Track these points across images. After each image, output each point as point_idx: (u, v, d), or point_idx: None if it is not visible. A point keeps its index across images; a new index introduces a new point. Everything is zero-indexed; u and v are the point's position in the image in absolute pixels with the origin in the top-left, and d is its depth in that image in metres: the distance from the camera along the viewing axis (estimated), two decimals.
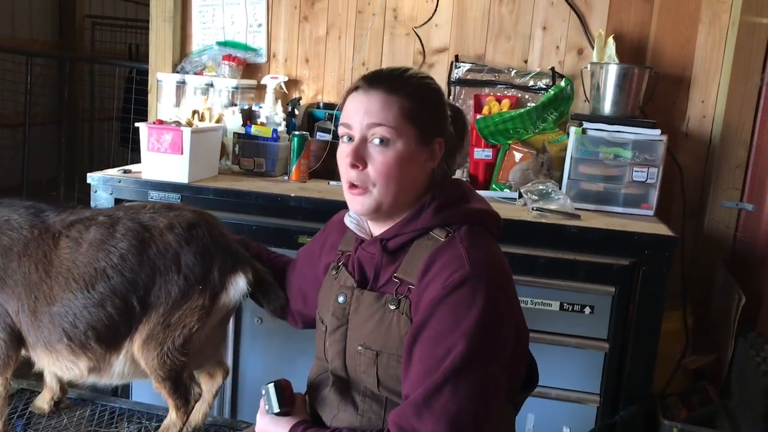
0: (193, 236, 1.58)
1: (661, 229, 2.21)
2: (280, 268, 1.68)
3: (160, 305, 1.55)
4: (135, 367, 1.61)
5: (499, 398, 1.21)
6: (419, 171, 1.28)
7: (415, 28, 2.82)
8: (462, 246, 1.22)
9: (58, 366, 1.61)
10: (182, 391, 1.62)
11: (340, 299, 1.34)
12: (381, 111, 1.24)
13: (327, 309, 1.38)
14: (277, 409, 1.32)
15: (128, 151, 4.88)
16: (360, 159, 1.24)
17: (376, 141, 1.24)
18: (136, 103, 4.38)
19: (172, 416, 1.63)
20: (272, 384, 1.33)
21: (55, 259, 1.57)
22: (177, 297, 1.55)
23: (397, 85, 1.26)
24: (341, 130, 1.29)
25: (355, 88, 1.28)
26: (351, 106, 1.28)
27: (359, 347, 1.29)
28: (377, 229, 1.33)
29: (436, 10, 2.79)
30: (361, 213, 1.30)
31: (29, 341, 1.59)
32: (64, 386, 1.85)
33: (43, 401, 1.85)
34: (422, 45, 2.83)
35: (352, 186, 1.26)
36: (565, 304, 2.18)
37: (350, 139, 1.27)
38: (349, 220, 1.37)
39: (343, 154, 1.27)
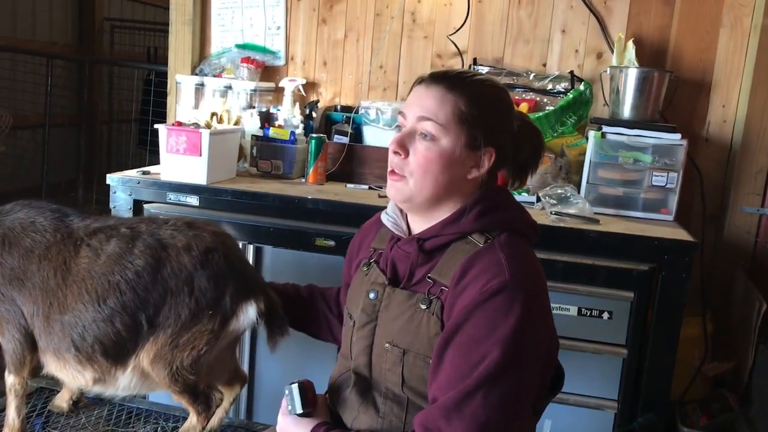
0: (208, 260, 1.57)
1: (681, 235, 2.19)
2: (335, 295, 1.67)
3: (168, 326, 1.54)
4: (142, 381, 1.62)
5: (528, 407, 1.21)
6: (461, 175, 1.27)
7: (450, 36, 2.81)
8: (502, 253, 1.21)
9: (65, 373, 1.62)
10: (202, 399, 1.62)
11: (371, 295, 1.34)
12: (434, 106, 1.25)
13: (356, 305, 1.38)
14: (300, 410, 1.31)
15: (146, 152, 4.91)
16: (403, 147, 1.27)
17: (423, 134, 1.25)
18: (155, 105, 4.42)
19: (193, 420, 1.64)
20: (296, 384, 1.33)
21: (73, 267, 1.57)
22: (186, 319, 1.54)
23: (458, 84, 1.26)
24: (398, 119, 1.32)
25: (420, 81, 1.30)
26: (411, 97, 1.30)
27: (387, 344, 1.29)
28: (417, 227, 1.33)
29: (467, 16, 2.78)
30: (394, 199, 1.32)
31: (40, 345, 1.60)
32: None
33: (62, 400, 1.87)
34: (458, 49, 2.81)
35: (392, 172, 1.29)
36: (583, 309, 2.17)
37: (403, 128, 1.29)
38: (386, 218, 1.38)
39: (392, 140, 1.29)
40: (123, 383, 1.60)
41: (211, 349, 1.57)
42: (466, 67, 2.81)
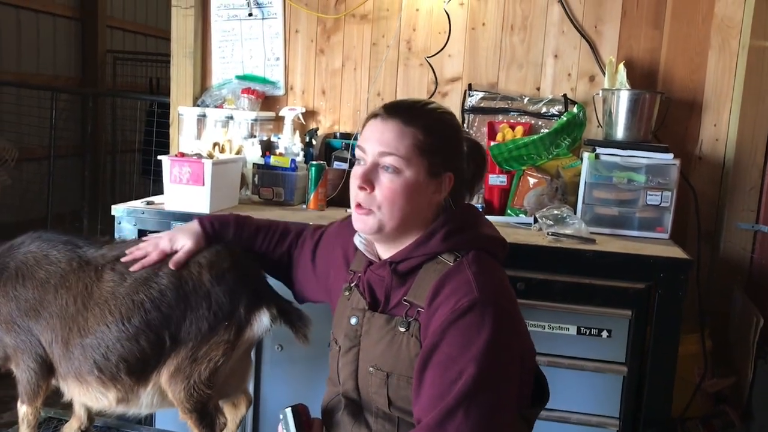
0: (226, 277, 1.64)
1: (677, 252, 2.22)
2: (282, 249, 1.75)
3: (189, 340, 1.59)
4: (162, 398, 1.65)
5: (511, 418, 1.24)
6: (425, 201, 1.32)
7: (428, 57, 2.88)
8: (470, 271, 1.26)
9: (88, 396, 1.65)
10: (208, 422, 1.65)
11: (353, 321, 1.38)
12: (394, 141, 1.29)
13: (341, 330, 1.42)
14: None
15: (149, 182, 4.97)
16: (368, 182, 1.31)
17: (386, 169, 1.29)
18: (157, 135, 4.48)
19: None
20: (290, 409, 1.36)
21: (95, 291, 1.62)
22: (206, 332, 1.60)
23: (413, 117, 1.31)
24: (357, 152, 1.35)
25: (375, 115, 1.34)
26: (368, 131, 1.34)
27: (371, 368, 1.33)
28: (385, 252, 1.37)
29: (447, 41, 2.85)
30: (363, 232, 1.36)
31: (60, 371, 1.64)
32: (92, 415, 1.89)
33: (71, 430, 1.89)
34: (435, 74, 2.89)
35: (359, 206, 1.32)
36: (582, 328, 2.19)
37: (363, 162, 1.33)
38: (358, 241, 1.42)
39: (355, 175, 1.33)
40: (145, 401, 1.64)
41: (227, 359, 1.62)
42: (461, 94, 2.87)
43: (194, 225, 1.72)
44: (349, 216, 1.57)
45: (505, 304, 1.25)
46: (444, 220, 1.33)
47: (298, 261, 1.71)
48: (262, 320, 1.64)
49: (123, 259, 1.65)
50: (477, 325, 1.19)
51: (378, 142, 1.30)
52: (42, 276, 1.64)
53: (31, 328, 1.63)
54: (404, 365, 1.28)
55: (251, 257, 1.74)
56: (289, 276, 1.74)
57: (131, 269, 1.64)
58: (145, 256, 1.65)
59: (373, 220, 1.31)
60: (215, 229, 1.72)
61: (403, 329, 1.29)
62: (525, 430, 1.35)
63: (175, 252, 1.66)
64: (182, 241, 1.68)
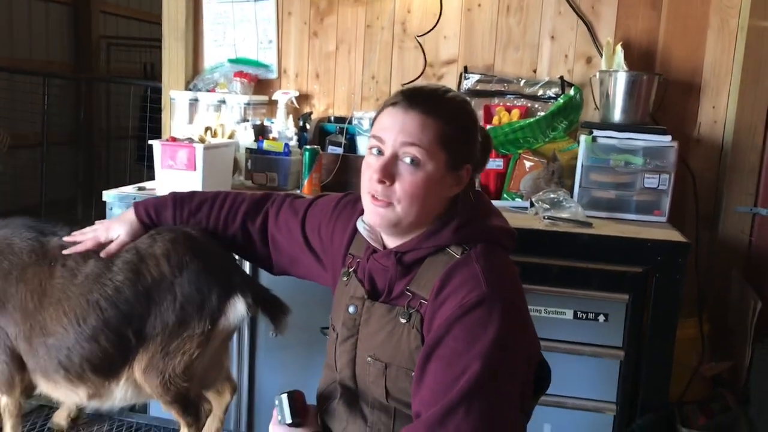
0: (188, 264, 1.56)
1: (674, 236, 2.20)
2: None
3: (156, 335, 1.54)
4: (138, 391, 1.61)
5: (513, 416, 1.21)
6: (443, 194, 1.28)
7: (419, 36, 2.84)
8: (478, 265, 1.22)
9: (58, 393, 1.62)
10: (192, 410, 1.62)
11: (351, 310, 1.35)
12: (417, 131, 1.23)
13: (338, 318, 1.39)
14: (289, 420, 1.33)
15: (144, 168, 4.93)
16: (388, 175, 1.24)
17: (407, 160, 1.23)
18: (151, 121, 4.44)
19: None
20: (285, 394, 1.34)
21: (48, 289, 1.56)
22: (174, 326, 1.54)
23: (436, 107, 1.25)
24: (372, 142, 1.28)
25: (393, 103, 1.27)
26: (387, 120, 1.27)
27: (369, 358, 1.30)
28: (391, 241, 1.32)
29: (437, 21, 2.82)
30: (378, 225, 1.29)
31: (29, 366, 1.60)
32: None
33: (61, 417, 1.88)
34: (424, 54, 2.85)
35: (375, 198, 1.26)
36: (579, 313, 2.18)
37: (379, 151, 1.26)
38: (362, 227, 1.36)
39: (371, 166, 1.26)
40: (119, 395, 1.61)
41: (203, 351, 1.57)
42: (456, 76, 2.83)
43: (130, 214, 1.66)
44: (348, 195, 1.54)
45: (515, 301, 1.21)
46: (456, 211, 1.29)
47: (272, 232, 1.62)
48: (237, 309, 1.57)
49: (66, 250, 1.61)
50: (484, 321, 1.15)
51: (400, 132, 1.23)
52: (6, 266, 1.59)
53: None
54: (404, 357, 1.26)
55: (212, 240, 1.65)
56: (253, 250, 1.65)
57: (63, 252, 1.60)
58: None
59: (391, 213, 1.25)
60: (151, 216, 1.65)
61: (404, 320, 1.26)
62: (524, 422, 1.33)
63: (110, 242, 1.61)
64: (117, 230, 1.63)
